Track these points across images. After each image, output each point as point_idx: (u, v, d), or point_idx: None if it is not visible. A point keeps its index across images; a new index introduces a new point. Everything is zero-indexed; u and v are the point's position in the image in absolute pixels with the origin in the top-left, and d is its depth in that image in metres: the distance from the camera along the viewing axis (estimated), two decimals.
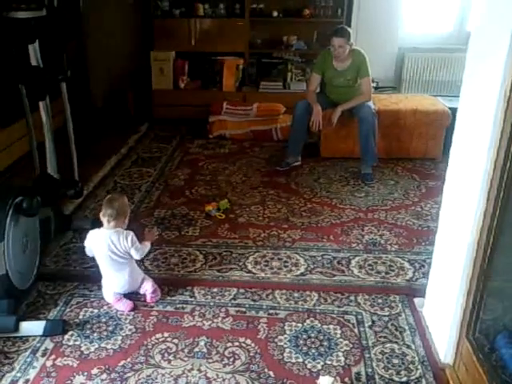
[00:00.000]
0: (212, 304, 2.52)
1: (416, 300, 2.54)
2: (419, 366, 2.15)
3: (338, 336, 2.32)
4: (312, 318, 2.43)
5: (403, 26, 5.42)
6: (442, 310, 2.20)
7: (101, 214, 2.47)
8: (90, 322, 2.40)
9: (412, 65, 5.52)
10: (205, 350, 2.23)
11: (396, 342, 2.28)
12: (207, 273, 2.78)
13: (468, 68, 2.04)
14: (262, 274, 2.78)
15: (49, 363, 2.15)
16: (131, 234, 2.46)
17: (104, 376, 2.08)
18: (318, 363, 2.16)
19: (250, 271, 2.80)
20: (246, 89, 5.36)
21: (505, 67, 1.70)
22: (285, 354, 2.21)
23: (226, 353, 2.21)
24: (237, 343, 2.27)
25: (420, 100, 4.58)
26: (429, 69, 5.53)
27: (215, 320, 2.41)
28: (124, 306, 2.47)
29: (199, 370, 2.11)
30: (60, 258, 2.91)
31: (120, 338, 2.29)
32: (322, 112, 4.02)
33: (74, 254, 2.93)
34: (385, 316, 2.45)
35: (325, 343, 2.27)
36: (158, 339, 2.29)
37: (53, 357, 2.18)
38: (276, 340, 2.29)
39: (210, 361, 2.17)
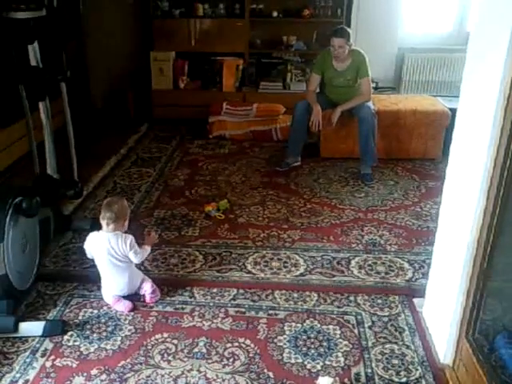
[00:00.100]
0: (211, 304, 2.52)
1: (415, 300, 2.54)
2: (419, 367, 2.15)
3: (338, 336, 2.32)
4: (311, 319, 2.43)
5: (403, 26, 5.42)
6: (442, 311, 2.20)
7: (100, 217, 2.46)
8: (89, 323, 2.39)
9: (412, 65, 5.52)
10: (204, 350, 2.23)
11: (395, 343, 2.28)
12: (207, 273, 2.78)
13: (468, 66, 2.03)
14: (262, 275, 2.78)
15: (48, 364, 2.15)
16: (130, 237, 2.45)
17: (103, 376, 2.08)
18: (318, 364, 2.16)
19: (249, 271, 2.80)
20: (245, 89, 5.36)
21: (505, 64, 1.70)
22: (284, 355, 2.20)
23: (226, 353, 2.21)
24: (236, 344, 2.27)
25: (419, 100, 4.58)
26: (428, 69, 5.53)
27: (215, 320, 2.41)
28: (123, 306, 2.47)
29: (199, 371, 2.11)
30: (59, 258, 2.91)
31: (119, 338, 2.29)
32: (322, 112, 4.02)
33: (73, 255, 2.93)
34: (384, 316, 2.45)
35: (324, 344, 2.27)
36: (157, 340, 2.29)
37: (52, 357, 2.18)
38: (275, 340, 2.29)
39: (210, 361, 2.16)
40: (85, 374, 2.09)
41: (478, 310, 1.98)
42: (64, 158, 3.08)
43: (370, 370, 2.13)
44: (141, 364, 2.15)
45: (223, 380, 2.07)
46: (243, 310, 2.49)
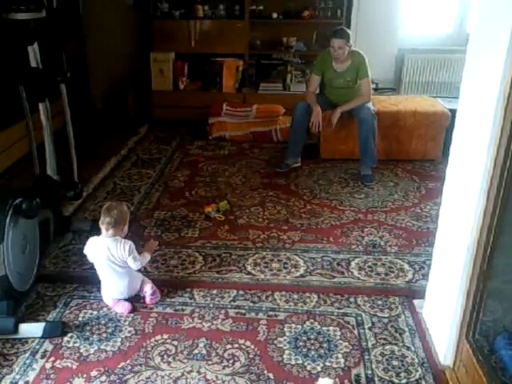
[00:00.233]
0: (211, 306, 2.52)
1: (416, 301, 2.54)
2: (419, 368, 2.15)
3: (338, 338, 2.31)
4: (312, 320, 2.42)
5: (403, 27, 5.42)
6: (442, 312, 2.20)
7: (99, 222, 2.45)
8: (89, 324, 2.39)
9: (411, 66, 5.51)
10: (204, 351, 2.22)
11: (396, 344, 2.28)
12: (207, 274, 2.78)
13: (468, 65, 2.03)
14: (262, 276, 2.77)
15: (48, 365, 2.15)
16: (129, 243, 2.44)
17: (103, 378, 2.08)
18: (318, 365, 2.16)
19: (249, 273, 2.80)
20: (245, 90, 5.36)
21: (504, 64, 1.70)
22: (284, 356, 2.20)
23: (226, 355, 2.21)
24: (236, 345, 2.26)
25: (419, 101, 4.58)
26: (428, 70, 5.52)
27: (215, 322, 2.41)
28: (123, 307, 2.47)
29: (199, 372, 2.11)
30: (59, 259, 2.91)
31: (119, 339, 2.29)
32: (322, 113, 4.02)
33: (73, 256, 2.92)
34: (384, 318, 2.45)
35: (324, 345, 2.27)
36: (157, 341, 2.28)
37: (52, 359, 2.18)
38: (275, 342, 2.29)
39: (210, 363, 2.16)
40: (84, 376, 2.09)
41: (478, 311, 1.98)
42: (64, 159, 3.08)
43: (370, 372, 2.13)
44: (141, 365, 2.15)
45: (223, 381, 2.07)
46: (243, 311, 2.49)
